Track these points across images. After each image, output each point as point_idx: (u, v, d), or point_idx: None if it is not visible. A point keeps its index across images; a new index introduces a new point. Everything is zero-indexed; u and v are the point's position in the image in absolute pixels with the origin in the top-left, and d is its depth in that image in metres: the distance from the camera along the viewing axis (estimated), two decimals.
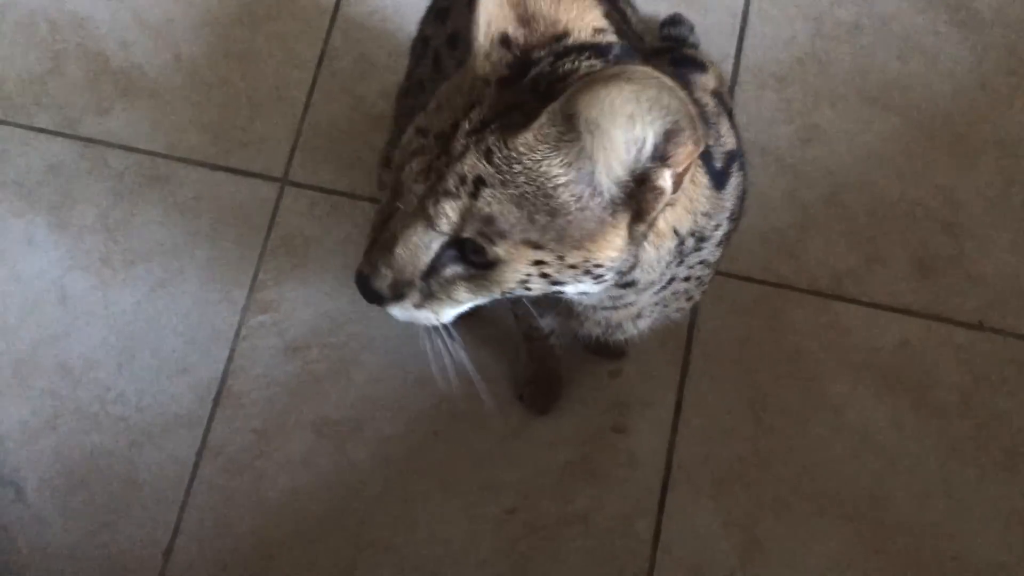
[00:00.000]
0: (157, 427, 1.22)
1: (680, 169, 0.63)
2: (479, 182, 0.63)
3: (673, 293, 0.83)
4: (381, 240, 0.68)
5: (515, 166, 0.62)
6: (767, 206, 1.32)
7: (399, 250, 0.67)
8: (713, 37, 1.40)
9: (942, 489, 1.22)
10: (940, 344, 1.28)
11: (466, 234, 0.64)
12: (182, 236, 1.29)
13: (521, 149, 0.62)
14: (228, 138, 1.33)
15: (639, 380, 1.26)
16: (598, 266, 0.66)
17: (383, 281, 0.69)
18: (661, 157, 0.62)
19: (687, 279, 0.82)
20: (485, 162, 0.62)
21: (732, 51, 1.40)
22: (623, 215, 0.65)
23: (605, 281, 0.69)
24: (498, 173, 0.62)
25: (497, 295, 0.69)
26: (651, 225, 0.68)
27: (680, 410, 1.24)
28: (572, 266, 0.66)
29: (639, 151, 0.62)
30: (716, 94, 0.81)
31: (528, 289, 0.67)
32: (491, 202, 0.63)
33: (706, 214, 0.75)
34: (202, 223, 1.30)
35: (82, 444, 1.21)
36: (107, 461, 1.21)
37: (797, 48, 1.40)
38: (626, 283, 0.73)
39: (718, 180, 0.76)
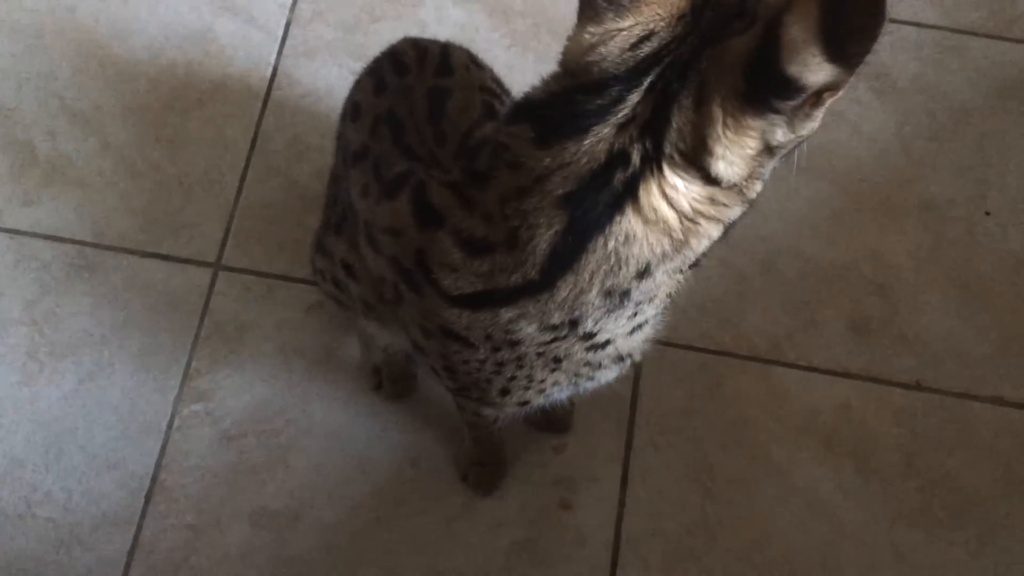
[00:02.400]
0: (86, 527, 1.17)
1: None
2: None
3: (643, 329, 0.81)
4: None
5: None
6: (703, 274, 1.32)
7: None
8: None
9: (891, 554, 1.22)
10: (879, 406, 1.29)
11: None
12: (112, 326, 1.26)
13: None
14: (159, 224, 1.31)
15: (583, 454, 1.24)
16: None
17: None
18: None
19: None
20: None
21: None
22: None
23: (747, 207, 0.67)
24: None
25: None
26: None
27: (626, 483, 1.23)
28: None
29: None
30: None
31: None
32: None
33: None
34: (133, 312, 1.27)
35: (7, 549, 1.16)
36: (34, 565, 1.16)
37: None
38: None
39: None
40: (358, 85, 1.02)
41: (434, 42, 1.02)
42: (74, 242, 1.30)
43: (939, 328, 1.34)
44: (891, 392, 1.30)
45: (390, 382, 1.24)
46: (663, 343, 1.29)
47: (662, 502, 1.22)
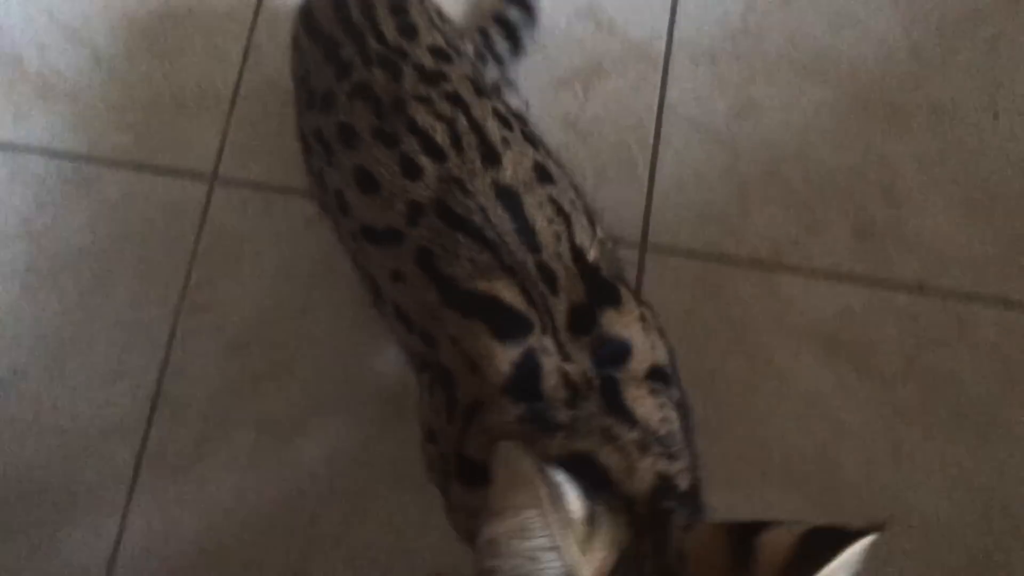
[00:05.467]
0: (94, 436, 1.19)
1: None
2: None
3: None
4: None
5: None
6: (705, 182, 1.32)
7: None
8: (644, 16, 1.39)
9: (889, 452, 1.23)
10: (882, 309, 1.29)
11: None
12: (110, 240, 1.26)
13: None
14: (153, 137, 1.30)
15: None
16: None
17: None
18: None
19: None
20: None
21: (664, 30, 1.39)
22: None
23: None
24: None
25: None
26: None
27: None
28: None
29: None
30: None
31: None
32: None
33: None
34: (130, 225, 1.26)
35: (17, 459, 1.18)
36: (44, 474, 1.18)
37: (729, 24, 1.40)
38: None
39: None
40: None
41: None
42: (68, 156, 1.29)
43: (944, 231, 1.32)
44: (894, 295, 1.29)
45: None
46: (664, 251, 1.29)
47: None
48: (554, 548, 0.57)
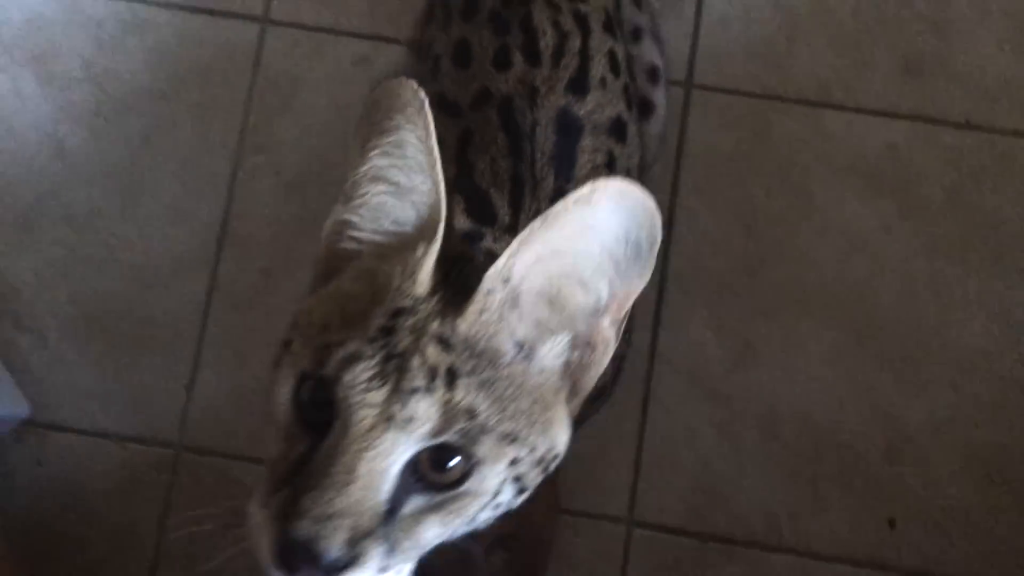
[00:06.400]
0: (166, 270, 1.26)
1: (621, 315, 0.59)
2: (451, 372, 0.55)
3: None
4: (313, 481, 0.53)
5: (475, 346, 0.56)
6: (752, 18, 1.31)
7: (359, 481, 0.52)
8: None
9: (928, 286, 1.26)
10: (927, 145, 1.29)
11: (446, 437, 0.54)
12: (168, 82, 1.29)
13: (472, 328, 0.56)
14: None
15: None
16: (555, 457, 0.60)
17: (337, 537, 0.52)
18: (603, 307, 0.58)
19: None
20: (445, 351, 0.55)
21: None
22: (563, 390, 0.60)
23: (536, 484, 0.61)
24: (463, 360, 0.56)
25: (467, 521, 0.57)
26: (582, 398, 0.62)
27: (672, 226, 1.27)
28: (539, 460, 0.59)
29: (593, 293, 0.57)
30: None
31: (496, 507, 0.58)
32: (468, 391, 0.55)
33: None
34: (187, 68, 1.29)
35: (96, 289, 1.26)
36: (122, 304, 1.26)
37: None
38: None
39: None
40: None
41: None
42: None
43: (994, 66, 1.31)
44: (940, 131, 1.30)
45: None
46: (708, 88, 1.30)
47: (705, 242, 1.27)
48: (423, 171, 0.58)
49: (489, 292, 0.56)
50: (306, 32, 1.31)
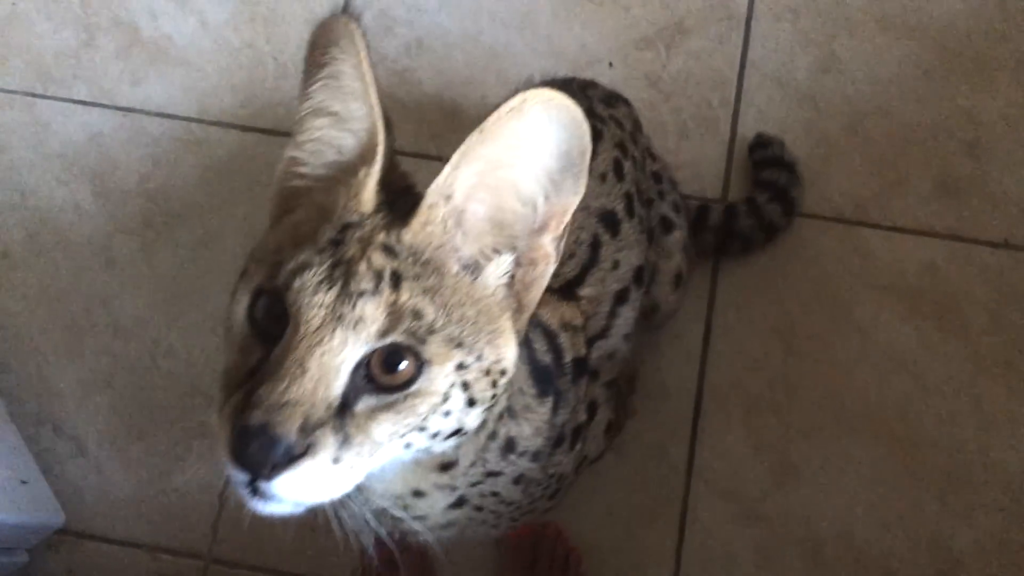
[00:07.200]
0: (207, 379, 1.27)
1: (560, 231, 0.61)
2: (396, 276, 0.58)
3: (469, 518, 0.77)
4: (267, 377, 0.55)
5: (420, 255, 0.59)
6: (787, 137, 1.34)
7: (310, 373, 0.55)
8: None
9: (971, 406, 1.24)
10: (965, 264, 1.29)
11: (394, 336, 0.57)
12: (220, 196, 1.34)
13: (417, 238, 0.59)
14: (257, 99, 1.38)
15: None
16: (503, 372, 0.62)
17: (290, 424, 0.54)
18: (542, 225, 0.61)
19: (479, 508, 0.77)
20: (390, 257, 0.58)
21: None
22: (508, 306, 0.63)
23: (497, 402, 0.65)
24: (408, 265, 0.58)
25: (418, 423, 0.59)
26: (528, 315, 0.65)
27: (708, 341, 1.27)
28: (486, 371, 0.61)
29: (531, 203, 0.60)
30: None
31: (447, 413, 0.60)
32: (413, 294, 0.58)
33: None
34: (238, 183, 1.34)
35: (137, 398, 1.27)
36: (161, 414, 1.27)
37: None
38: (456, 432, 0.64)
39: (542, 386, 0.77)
40: None
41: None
42: (181, 118, 1.37)
43: None
44: (978, 250, 1.30)
45: None
46: None
47: (743, 358, 1.26)
48: (359, 98, 0.61)
49: (432, 206, 0.59)
50: None
